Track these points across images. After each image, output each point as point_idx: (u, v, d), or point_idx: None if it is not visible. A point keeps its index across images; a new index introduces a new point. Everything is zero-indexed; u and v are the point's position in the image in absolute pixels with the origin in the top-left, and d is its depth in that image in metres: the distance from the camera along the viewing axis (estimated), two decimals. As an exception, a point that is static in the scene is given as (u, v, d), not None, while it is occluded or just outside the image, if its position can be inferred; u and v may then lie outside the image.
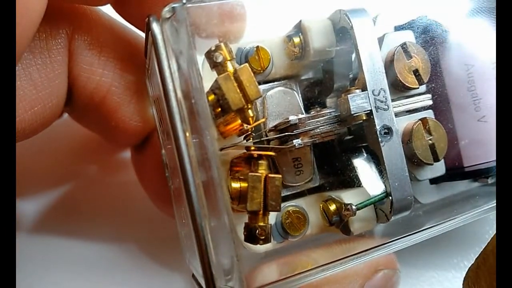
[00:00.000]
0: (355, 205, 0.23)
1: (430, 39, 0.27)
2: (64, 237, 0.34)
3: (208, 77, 0.23)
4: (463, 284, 0.22)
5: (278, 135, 0.25)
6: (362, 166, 0.26)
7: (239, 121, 0.23)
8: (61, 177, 0.36)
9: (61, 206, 0.36)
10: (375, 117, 0.23)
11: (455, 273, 0.30)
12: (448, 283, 0.30)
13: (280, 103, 0.26)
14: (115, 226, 0.35)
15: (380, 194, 0.24)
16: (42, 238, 0.34)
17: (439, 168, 0.26)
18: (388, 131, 0.24)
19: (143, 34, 0.29)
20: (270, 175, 0.22)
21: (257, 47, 0.26)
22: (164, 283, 0.33)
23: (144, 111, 0.29)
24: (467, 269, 0.22)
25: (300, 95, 0.27)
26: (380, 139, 0.23)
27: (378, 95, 0.24)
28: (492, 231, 0.30)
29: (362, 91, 0.24)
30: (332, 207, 0.25)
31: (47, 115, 0.26)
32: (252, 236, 0.22)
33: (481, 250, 0.21)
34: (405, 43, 0.25)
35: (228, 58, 0.22)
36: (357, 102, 0.23)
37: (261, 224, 0.22)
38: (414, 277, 0.26)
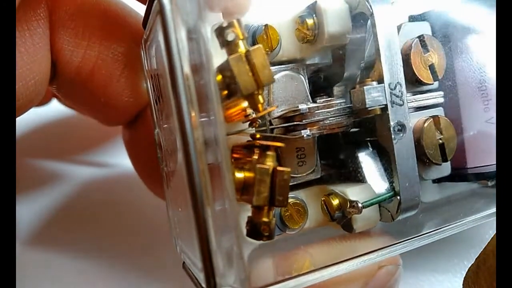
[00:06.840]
0: (362, 203, 0.22)
1: (443, 34, 0.25)
2: (61, 235, 0.34)
3: (214, 53, 0.21)
4: (463, 284, 0.22)
5: (285, 124, 0.23)
6: (367, 161, 0.25)
7: (242, 105, 0.21)
8: (59, 177, 0.36)
9: (59, 205, 0.35)
10: (390, 113, 0.22)
11: (455, 273, 0.29)
12: (448, 283, 0.29)
13: (286, 88, 0.24)
14: (110, 222, 0.34)
15: (388, 193, 0.23)
16: (40, 239, 0.34)
17: (445, 169, 0.25)
18: (401, 128, 0.22)
19: (133, 4, 0.27)
20: (278, 168, 0.20)
21: (266, 25, 0.24)
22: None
23: (136, 86, 0.27)
24: (467, 269, 0.22)
25: (307, 81, 0.25)
26: (393, 136, 0.22)
27: (394, 89, 0.22)
28: (492, 231, 0.30)
29: (378, 83, 0.22)
30: (335, 202, 0.24)
31: (30, 94, 0.23)
32: (255, 232, 0.20)
33: (481, 250, 0.21)
34: (423, 36, 0.24)
35: (241, 37, 0.20)
36: (373, 95, 0.22)
37: (265, 219, 0.20)
38: (413, 277, 0.25)
